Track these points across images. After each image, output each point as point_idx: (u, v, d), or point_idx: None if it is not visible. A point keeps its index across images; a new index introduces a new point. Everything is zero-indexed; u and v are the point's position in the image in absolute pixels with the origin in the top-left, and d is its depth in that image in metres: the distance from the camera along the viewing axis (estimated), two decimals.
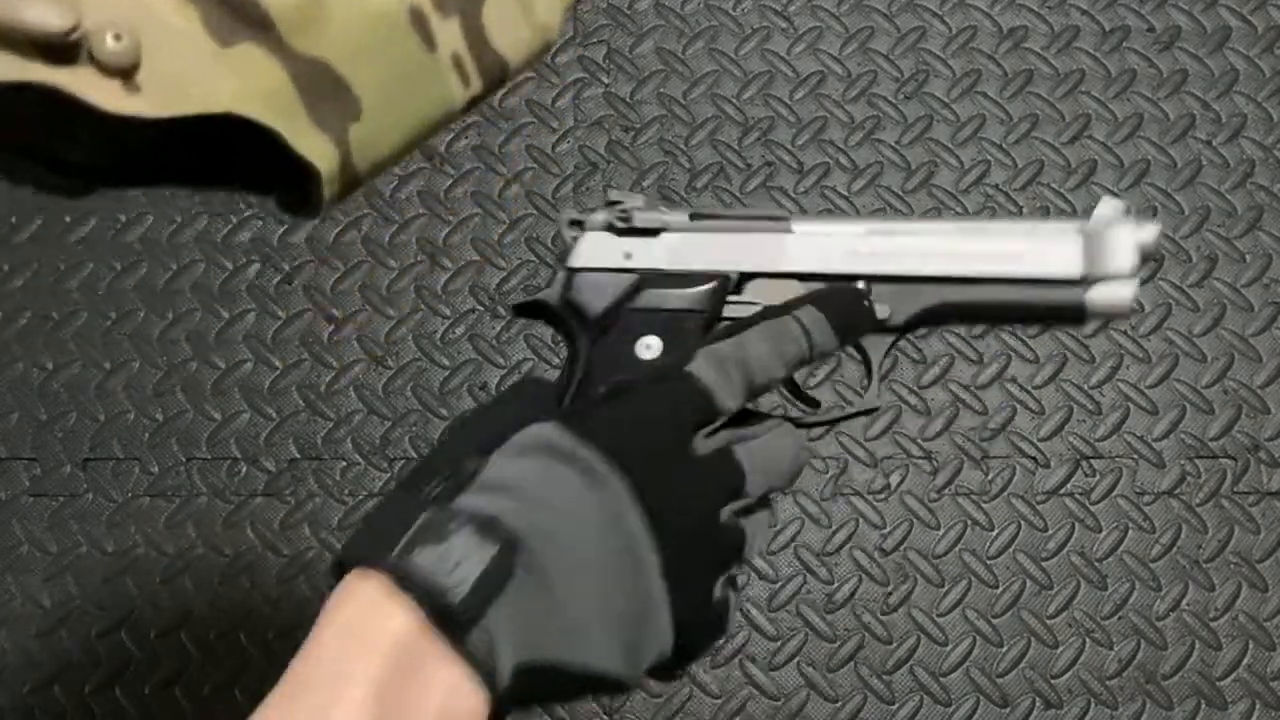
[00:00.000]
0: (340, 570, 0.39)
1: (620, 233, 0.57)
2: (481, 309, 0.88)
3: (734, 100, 0.93)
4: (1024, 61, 0.95)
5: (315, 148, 0.42)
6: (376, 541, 0.38)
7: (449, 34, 0.45)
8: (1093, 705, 0.79)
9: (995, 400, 0.85)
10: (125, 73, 0.38)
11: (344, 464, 0.84)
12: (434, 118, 0.46)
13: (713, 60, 0.95)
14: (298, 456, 0.84)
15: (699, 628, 0.42)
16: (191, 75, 0.40)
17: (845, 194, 0.90)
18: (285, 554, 0.82)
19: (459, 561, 0.37)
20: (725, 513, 0.43)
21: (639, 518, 0.39)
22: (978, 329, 0.87)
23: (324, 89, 0.42)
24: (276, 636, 0.80)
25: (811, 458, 0.84)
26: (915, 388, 0.86)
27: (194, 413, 0.85)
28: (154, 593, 0.81)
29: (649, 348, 0.52)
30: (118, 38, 0.38)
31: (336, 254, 0.89)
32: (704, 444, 0.43)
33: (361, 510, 0.83)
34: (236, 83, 0.40)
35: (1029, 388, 0.86)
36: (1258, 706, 0.79)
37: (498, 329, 0.87)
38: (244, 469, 0.84)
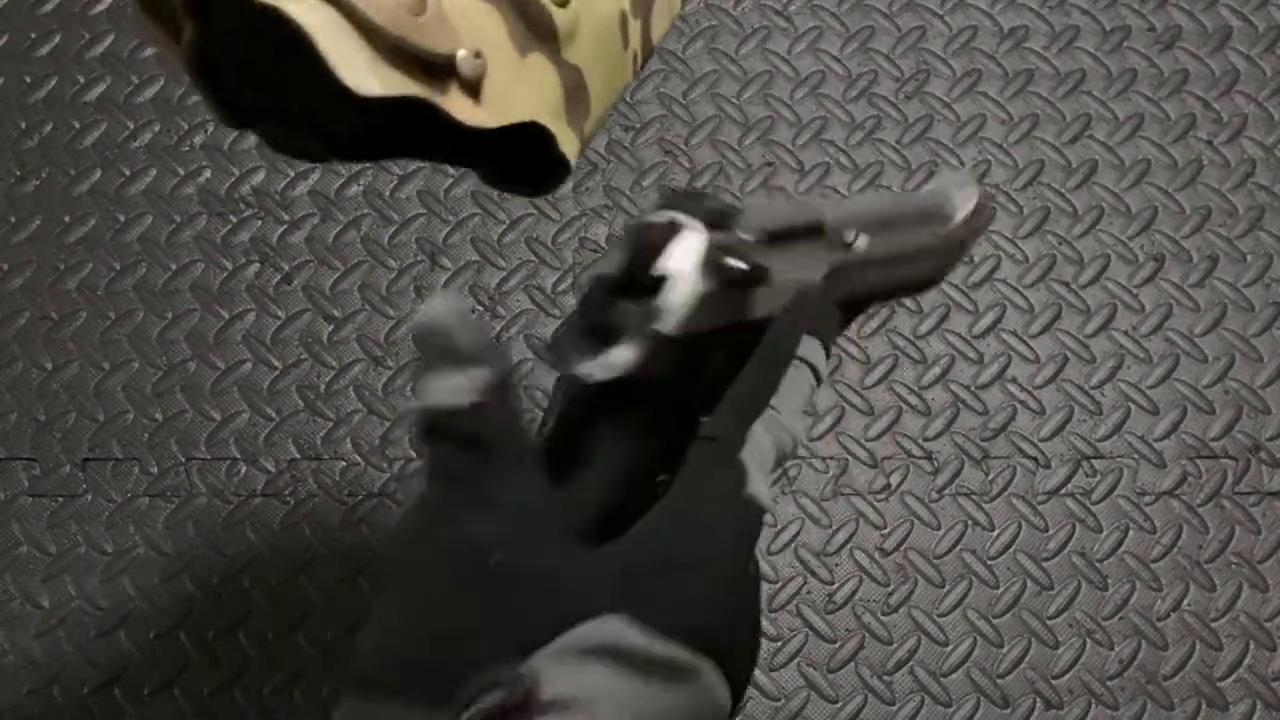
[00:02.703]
0: None
1: None
2: (481, 309, 0.87)
3: (734, 100, 0.93)
4: (1025, 61, 0.95)
5: (570, 147, 0.46)
6: None
7: (635, 32, 0.48)
8: (1093, 706, 0.78)
9: (996, 400, 0.85)
10: (474, 88, 0.42)
11: (344, 464, 0.84)
12: (610, 110, 0.50)
13: (713, 60, 0.94)
14: (297, 457, 0.84)
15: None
16: (508, 87, 0.43)
17: (846, 194, 0.90)
18: (286, 554, 0.82)
19: None
20: None
21: (725, 688, 0.34)
22: (979, 328, 0.87)
23: (577, 93, 0.46)
24: (276, 637, 0.80)
25: (811, 457, 0.84)
26: (916, 388, 0.85)
27: (193, 413, 0.85)
28: (153, 593, 0.81)
29: None
30: (477, 55, 0.41)
31: (336, 254, 0.89)
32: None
33: (361, 511, 0.83)
34: (532, 92, 0.44)
35: (1030, 388, 0.86)
36: (1259, 707, 0.78)
37: (497, 329, 0.87)
38: (243, 469, 0.84)
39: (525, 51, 0.43)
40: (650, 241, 0.38)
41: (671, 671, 0.33)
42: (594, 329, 0.39)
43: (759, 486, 0.36)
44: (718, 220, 0.39)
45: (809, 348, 0.40)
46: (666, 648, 0.33)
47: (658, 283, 0.37)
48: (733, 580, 0.35)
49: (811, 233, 0.43)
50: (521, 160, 0.46)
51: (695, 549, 0.34)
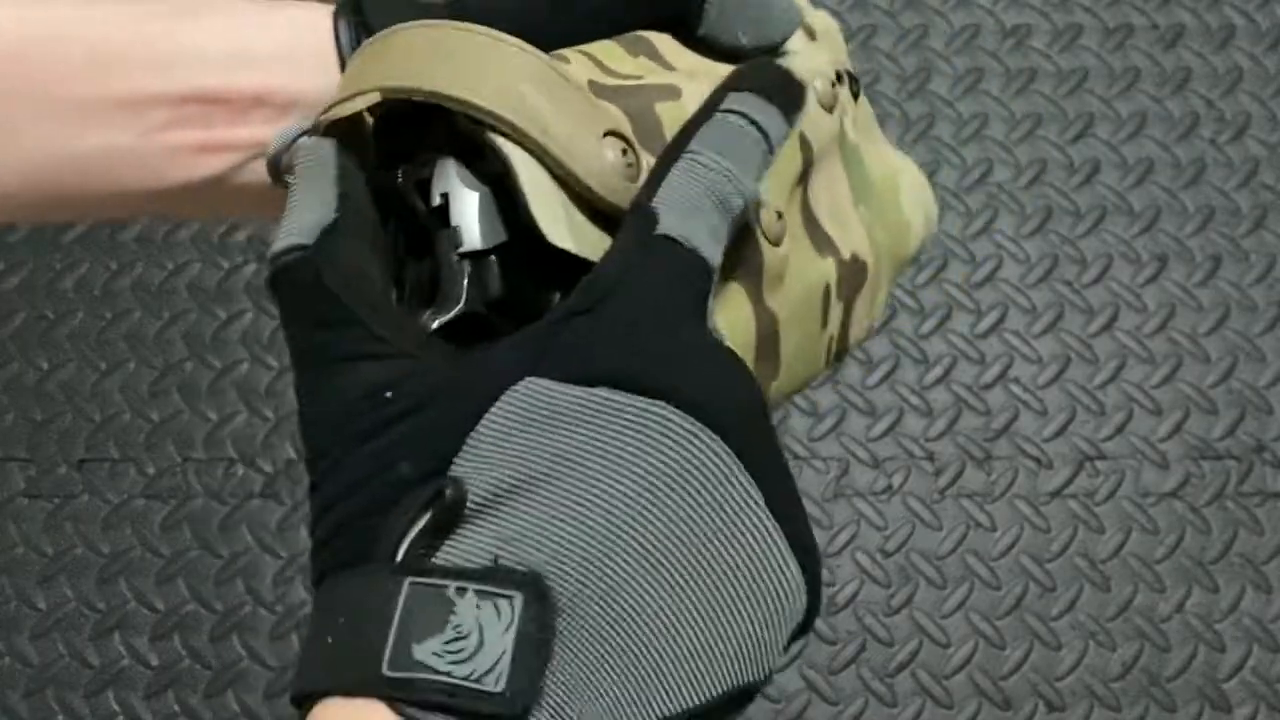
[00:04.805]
0: (305, 703, 0.27)
1: None
2: None
3: None
4: (1027, 59, 0.94)
5: None
6: (350, 653, 0.26)
7: (835, 317, 0.44)
8: (1096, 708, 0.78)
9: (998, 401, 0.85)
10: None
11: None
12: (797, 391, 0.45)
13: None
14: (295, 458, 0.84)
15: (811, 545, 0.31)
16: None
17: None
18: (282, 556, 0.81)
19: (480, 641, 0.26)
20: None
21: (703, 430, 0.29)
22: (981, 329, 0.86)
23: (768, 344, 0.42)
24: (272, 640, 0.79)
25: (812, 458, 0.83)
26: (918, 388, 0.85)
27: (190, 413, 0.85)
28: (149, 595, 0.81)
29: None
30: None
31: None
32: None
33: None
34: (727, 318, 0.40)
35: (1032, 388, 0.85)
36: (1262, 709, 0.78)
37: None
38: (241, 470, 0.83)
39: (726, 275, 0.40)
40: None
41: (613, 415, 0.29)
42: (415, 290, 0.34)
43: (677, 225, 0.32)
44: None
45: (748, 102, 0.35)
46: (591, 392, 0.29)
47: (443, 209, 0.33)
48: (657, 315, 0.30)
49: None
50: None
51: (588, 294, 0.30)
